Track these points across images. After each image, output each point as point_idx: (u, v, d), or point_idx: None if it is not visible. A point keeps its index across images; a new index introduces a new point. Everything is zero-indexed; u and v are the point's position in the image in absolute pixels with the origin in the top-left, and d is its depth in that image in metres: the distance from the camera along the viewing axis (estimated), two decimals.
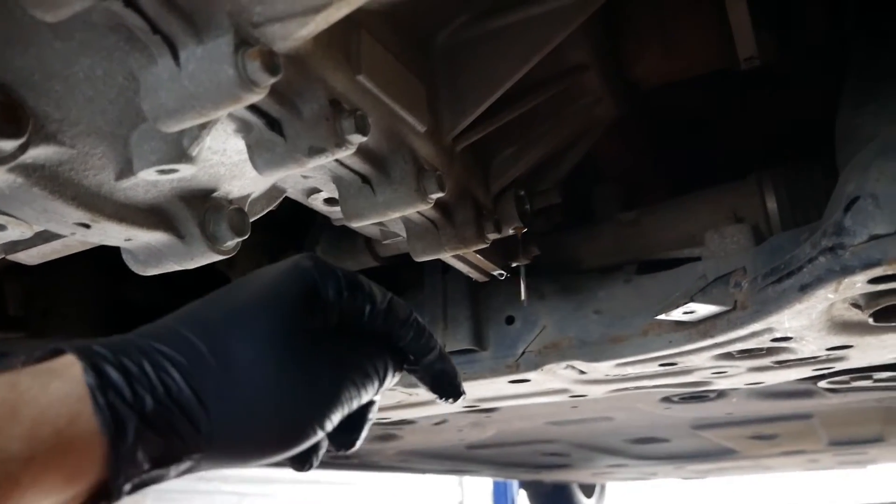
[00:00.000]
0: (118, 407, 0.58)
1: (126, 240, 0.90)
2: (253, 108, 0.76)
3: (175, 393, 0.60)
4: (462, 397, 0.80)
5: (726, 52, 1.16)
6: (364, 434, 0.78)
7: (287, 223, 1.82)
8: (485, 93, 0.96)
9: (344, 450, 0.77)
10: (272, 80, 0.66)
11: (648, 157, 1.67)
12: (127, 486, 0.60)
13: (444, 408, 1.72)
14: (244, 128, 0.80)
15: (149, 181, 0.82)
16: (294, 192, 1.08)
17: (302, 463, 0.75)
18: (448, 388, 0.79)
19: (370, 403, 0.77)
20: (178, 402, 0.60)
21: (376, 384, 0.73)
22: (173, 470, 0.63)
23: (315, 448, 0.73)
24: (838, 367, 1.40)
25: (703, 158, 1.65)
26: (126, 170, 0.79)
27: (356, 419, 0.76)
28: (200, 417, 0.61)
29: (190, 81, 0.66)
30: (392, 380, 0.76)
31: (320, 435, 0.68)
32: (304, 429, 0.67)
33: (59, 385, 0.57)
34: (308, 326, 0.68)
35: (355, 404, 0.71)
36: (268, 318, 0.66)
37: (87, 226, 0.84)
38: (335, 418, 0.69)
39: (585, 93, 1.17)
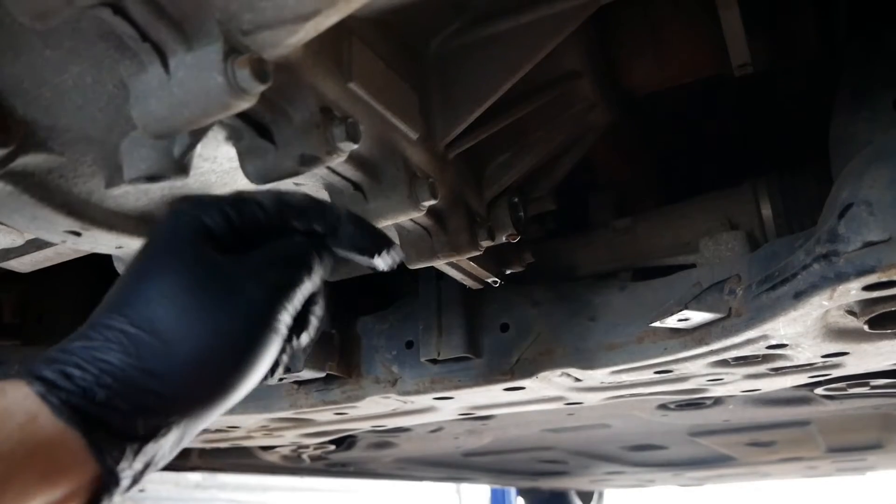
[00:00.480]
0: (74, 403, 0.60)
1: (117, 247, 0.90)
2: (243, 115, 0.76)
3: (119, 374, 0.62)
4: (393, 250, 0.81)
5: (719, 58, 1.16)
6: (312, 330, 0.80)
7: None
8: (478, 100, 0.96)
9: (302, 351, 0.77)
10: (262, 88, 0.66)
11: (643, 164, 1.67)
12: (127, 473, 0.62)
13: (440, 415, 1.72)
14: (235, 135, 0.80)
15: (139, 189, 0.82)
16: None
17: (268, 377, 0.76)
18: (371, 246, 0.80)
19: (312, 299, 0.78)
20: (125, 380, 0.62)
21: (304, 277, 0.74)
22: (163, 444, 0.65)
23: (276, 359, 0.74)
24: (834, 374, 1.40)
25: (698, 165, 1.65)
26: (116, 177, 0.79)
27: (302, 317, 0.77)
28: (153, 386, 0.63)
29: (179, 89, 0.66)
30: (321, 265, 0.77)
31: (273, 345, 0.70)
32: (252, 349, 0.69)
33: (14, 395, 0.59)
34: (210, 261, 0.69)
35: (294, 303, 0.72)
36: (170, 272, 0.67)
37: (77, 234, 0.84)
38: (279, 324, 0.70)
39: (578, 99, 1.17)
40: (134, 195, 0.84)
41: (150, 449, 0.64)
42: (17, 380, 0.61)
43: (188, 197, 0.74)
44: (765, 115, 1.62)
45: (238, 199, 0.74)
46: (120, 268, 0.96)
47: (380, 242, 0.80)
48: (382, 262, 0.80)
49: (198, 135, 0.74)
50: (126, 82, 0.70)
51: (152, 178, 0.76)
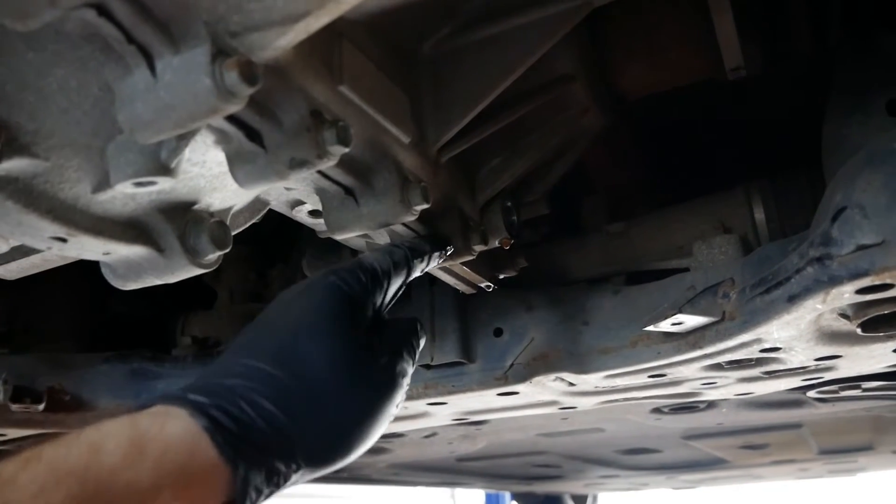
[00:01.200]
0: (233, 443, 0.67)
1: (104, 254, 0.88)
2: (232, 118, 0.75)
3: (272, 420, 0.71)
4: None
5: (713, 62, 1.15)
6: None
7: (273, 236, 1.81)
8: (470, 103, 0.95)
9: None
10: (251, 91, 0.64)
11: (636, 169, 1.67)
12: None
13: (434, 420, 1.71)
14: (224, 139, 0.79)
15: (126, 194, 0.80)
16: (277, 205, 1.06)
17: None
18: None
19: None
20: (278, 428, 0.71)
21: (420, 342, 0.93)
22: (283, 486, 0.73)
23: None
24: (827, 377, 1.40)
25: (691, 169, 1.65)
26: (103, 182, 0.78)
27: None
28: (301, 439, 0.73)
29: (166, 92, 0.65)
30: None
31: (399, 400, 0.84)
32: (377, 422, 0.80)
33: (175, 425, 0.67)
34: (359, 334, 0.81)
35: (414, 364, 0.88)
36: (328, 338, 0.78)
37: (63, 240, 0.82)
38: (405, 385, 0.85)
39: (572, 103, 1.16)
40: (121, 201, 0.82)
41: (271, 489, 0.72)
42: (174, 405, 0.69)
43: (337, 272, 0.85)
44: (758, 118, 1.61)
45: (363, 267, 0.87)
46: (108, 275, 0.94)
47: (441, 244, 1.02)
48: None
49: (186, 138, 0.72)
50: (112, 85, 0.69)
51: (140, 183, 0.75)
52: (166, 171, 0.74)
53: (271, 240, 1.82)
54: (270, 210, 1.15)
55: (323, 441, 0.75)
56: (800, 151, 1.26)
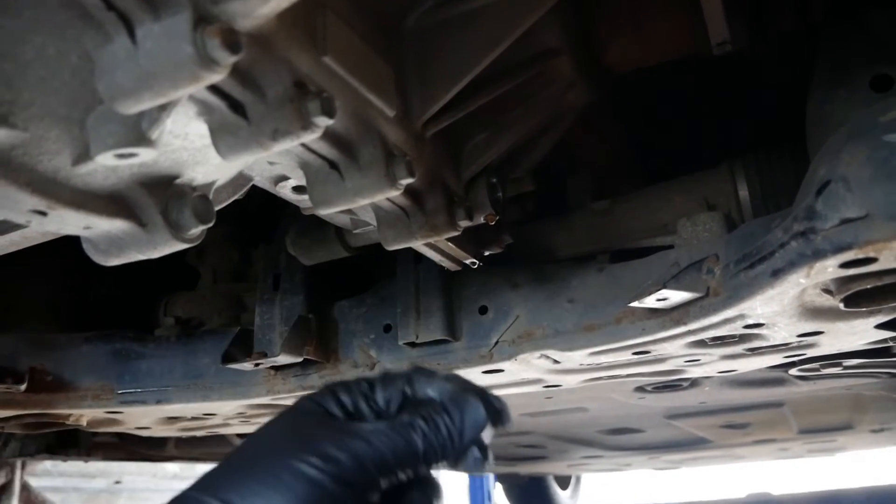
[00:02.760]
0: None
1: (85, 228, 0.87)
2: (215, 89, 0.74)
3: None
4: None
5: (698, 36, 1.15)
6: None
7: (256, 216, 1.79)
8: (455, 77, 0.94)
9: None
10: (233, 59, 0.63)
11: (621, 147, 1.67)
12: None
13: None
14: (206, 111, 0.78)
15: (107, 166, 0.79)
16: (261, 181, 1.05)
17: None
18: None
19: None
20: None
21: None
22: None
23: None
24: (809, 353, 1.41)
25: (676, 147, 1.65)
26: (83, 154, 0.76)
27: None
28: None
29: (147, 60, 0.64)
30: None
31: None
32: None
33: None
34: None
35: None
36: None
37: (43, 213, 0.81)
38: None
39: (557, 78, 1.15)
40: (102, 173, 0.81)
41: None
42: None
43: (313, 459, 0.69)
44: (742, 96, 1.62)
45: (357, 456, 0.68)
46: (89, 250, 0.93)
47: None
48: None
49: (167, 109, 0.71)
50: (91, 54, 0.68)
51: (120, 155, 0.74)
52: (147, 142, 0.73)
53: (255, 220, 1.80)
54: (254, 190, 1.14)
55: None
56: (784, 128, 1.27)
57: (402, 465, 0.68)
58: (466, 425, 0.71)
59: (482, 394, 0.75)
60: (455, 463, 0.73)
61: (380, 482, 0.67)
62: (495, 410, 0.74)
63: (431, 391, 0.75)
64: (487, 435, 0.74)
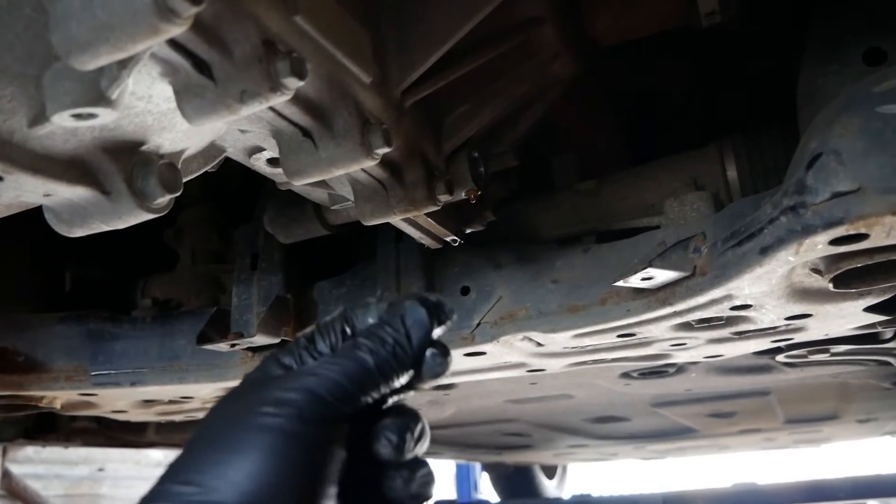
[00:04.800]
0: None
1: (45, 195, 0.83)
2: (178, 46, 0.70)
3: None
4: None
5: (687, 7, 1.12)
6: None
7: (235, 196, 1.76)
8: (435, 43, 0.91)
9: None
10: (194, 10, 0.60)
11: (608, 126, 1.64)
12: None
13: None
14: (170, 70, 0.74)
15: (66, 129, 0.75)
16: (234, 152, 1.01)
17: None
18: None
19: None
20: None
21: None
22: None
23: None
24: (797, 338, 1.39)
25: (663, 126, 1.62)
26: (40, 115, 0.72)
27: None
28: None
29: (103, 10, 0.60)
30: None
31: None
32: None
33: None
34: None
35: None
36: None
37: None
38: None
39: (541, 48, 1.12)
40: (61, 136, 0.77)
41: None
42: None
43: (277, 396, 0.65)
44: (732, 72, 1.59)
45: (325, 383, 0.65)
46: (51, 220, 0.89)
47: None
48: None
49: (127, 65, 0.67)
50: (45, 4, 0.64)
51: (78, 115, 0.70)
52: (107, 101, 0.69)
53: (234, 200, 1.77)
54: (232, 168, 1.10)
55: None
56: (775, 107, 1.24)
57: (359, 386, 0.65)
58: (410, 327, 0.69)
59: (417, 295, 0.73)
60: (417, 372, 0.70)
61: (341, 410, 0.64)
62: (434, 305, 0.71)
63: (370, 318, 0.72)
64: (437, 332, 0.71)
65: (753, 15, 1.20)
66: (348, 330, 0.71)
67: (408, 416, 0.70)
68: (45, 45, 0.67)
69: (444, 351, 0.71)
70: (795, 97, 1.13)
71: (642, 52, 1.43)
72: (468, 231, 1.20)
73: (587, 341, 1.33)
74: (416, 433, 0.70)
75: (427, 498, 0.71)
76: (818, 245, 0.90)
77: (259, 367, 0.71)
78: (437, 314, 0.71)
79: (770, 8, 1.20)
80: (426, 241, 1.16)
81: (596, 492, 4.23)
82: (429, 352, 0.70)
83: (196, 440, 0.65)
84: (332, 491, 0.63)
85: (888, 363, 1.74)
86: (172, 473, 0.62)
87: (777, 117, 1.27)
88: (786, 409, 3.06)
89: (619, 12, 1.17)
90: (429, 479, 0.70)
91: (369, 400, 0.66)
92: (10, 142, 0.75)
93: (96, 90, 0.68)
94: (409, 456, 0.69)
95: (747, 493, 3.44)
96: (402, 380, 0.69)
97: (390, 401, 0.71)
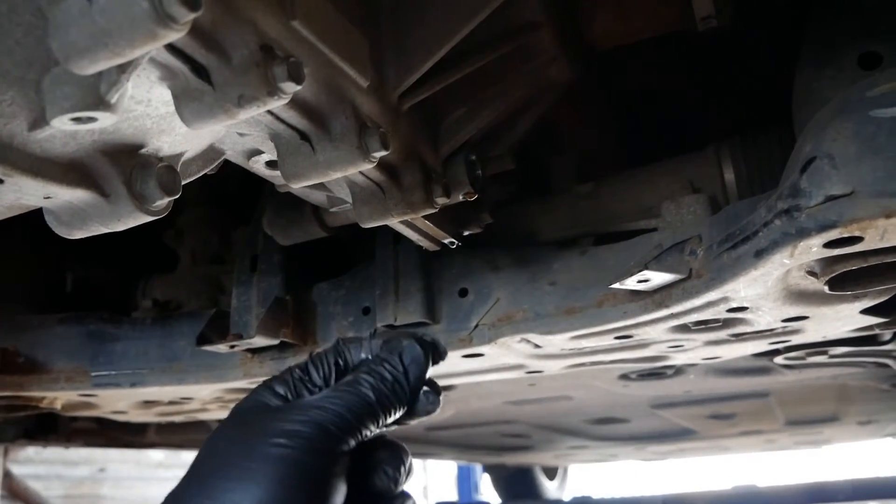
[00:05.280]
0: None
1: (45, 198, 0.84)
2: (176, 51, 0.71)
3: None
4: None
5: (683, 11, 1.12)
6: None
7: (235, 198, 1.76)
8: (432, 47, 0.91)
9: None
10: (192, 16, 0.60)
11: (605, 129, 1.64)
12: None
13: None
14: (169, 75, 0.75)
15: (66, 132, 0.76)
16: (233, 155, 1.02)
17: None
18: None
19: None
20: None
21: None
22: None
23: None
24: (794, 340, 1.39)
25: (661, 129, 1.62)
26: (40, 119, 0.73)
27: None
28: None
29: (102, 17, 0.61)
30: None
31: None
32: None
33: None
34: None
35: None
36: None
37: None
38: None
39: (538, 52, 1.12)
40: (61, 140, 0.78)
41: None
42: None
43: (282, 427, 0.68)
44: (728, 77, 1.59)
45: (332, 415, 0.68)
46: (52, 222, 0.90)
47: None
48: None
49: (126, 70, 0.68)
50: (44, 10, 0.64)
51: (78, 119, 0.71)
52: (106, 105, 0.70)
53: (235, 202, 1.77)
54: (232, 171, 1.11)
55: None
56: (770, 109, 1.24)
57: (362, 419, 0.69)
58: (407, 364, 0.74)
59: (412, 335, 0.78)
60: (411, 408, 0.75)
61: (346, 442, 0.67)
62: (429, 344, 0.77)
63: (363, 353, 0.77)
64: (431, 372, 0.77)
65: (749, 19, 1.20)
66: (341, 362, 0.75)
67: (400, 451, 0.75)
68: (44, 49, 0.68)
69: (436, 390, 0.77)
70: (791, 100, 1.13)
71: (640, 54, 1.44)
72: (466, 233, 1.21)
73: (585, 343, 1.34)
74: (408, 467, 0.75)
75: None
76: (813, 248, 0.91)
77: (252, 396, 0.73)
78: (433, 354, 0.77)
79: (765, 12, 1.20)
80: (424, 243, 1.17)
81: (596, 493, 4.24)
82: (423, 390, 0.75)
83: (202, 467, 0.67)
84: None
85: (887, 365, 1.74)
86: (180, 500, 0.64)
87: (774, 120, 1.28)
88: (785, 411, 3.06)
89: (616, 16, 1.17)
90: None
91: (368, 433, 0.70)
92: (10, 145, 0.75)
93: (96, 94, 0.69)
94: (400, 489, 0.74)
95: (747, 494, 3.45)
96: (398, 414, 0.73)
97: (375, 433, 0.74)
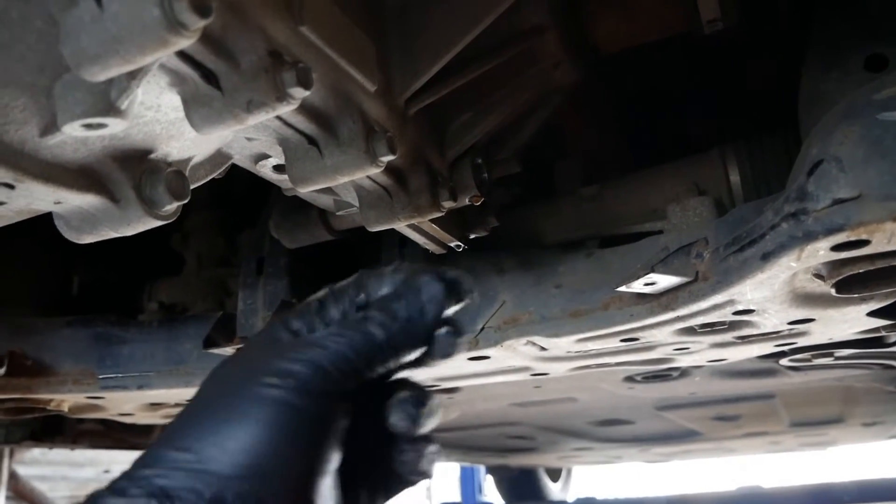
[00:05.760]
0: None
1: (56, 203, 0.84)
2: (186, 58, 0.71)
3: None
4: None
5: (689, 14, 1.13)
6: None
7: (241, 201, 1.77)
8: (439, 52, 0.92)
9: None
10: (202, 24, 0.61)
11: (611, 131, 1.64)
12: None
13: None
14: (178, 81, 0.75)
15: (77, 138, 0.77)
16: (241, 159, 1.03)
17: None
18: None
19: None
20: None
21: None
22: None
23: None
24: (800, 342, 1.39)
25: (666, 131, 1.63)
26: (50, 125, 0.74)
27: None
28: None
29: (113, 24, 0.61)
30: None
31: None
32: None
33: None
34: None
35: None
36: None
37: (10, 186, 0.79)
38: None
39: (543, 56, 1.13)
40: (71, 145, 0.78)
41: None
42: None
43: (279, 366, 0.63)
44: (734, 79, 1.59)
45: (330, 356, 0.63)
46: (62, 227, 0.90)
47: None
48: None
49: (136, 76, 0.69)
50: (56, 17, 0.65)
51: (88, 125, 0.71)
52: (117, 112, 0.70)
53: (241, 205, 1.78)
54: (238, 174, 1.11)
55: None
56: (777, 112, 1.25)
57: (366, 360, 0.63)
58: (425, 302, 0.66)
59: (436, 270, 0.70)
60: (429, 349, 0.67)
61: (346, 384, 0.62)
62: (451, 282, 0.69)
63: (385, 288, 0.70)
64: (452, 310, 0.69)
65: (755, 21, 1.20)
66: (362, 296, 0.69)
67: (422, 391, 0.68)
68: (56, 56, 0.68)
69: (457, 330, 0.69)
70: (797, 103, 1.14)
71: (644, 56, 1.44)
72: (472, 236, 1.21)
73: (590, 346, 1.34)
74: (430, 408, 0.67)
75: (430, 476, 0.70)
76: (820, 251, 0.91)
77: (266, 329, 0.69)
78: (454, 291, 0.69)
79: (772, 14, 1.20)
80: (430, 246, 1.17)
81: (601, 495, 4.24)
82: (442, 330, 0.67)
83: (195, 404, 0.63)
84: (332, 466, 0.61)
85: (893, 367, 1.74)
86: (169, 438, 0.60)
87: (779, 123, 1.28)
88: (791, 413, 3.06)
89: (621, 19, 1.18)
90: (436, 457, 0.69)
91: (375, 375, 0.64)
92: (21, 151, 0.76)
93: (106, 100, 0.70)
94: (422, 431, 0.67)
95: (752, 496, 3.45)
96: (413, 356, 0.67)
97: (399, 374, 0.68)
